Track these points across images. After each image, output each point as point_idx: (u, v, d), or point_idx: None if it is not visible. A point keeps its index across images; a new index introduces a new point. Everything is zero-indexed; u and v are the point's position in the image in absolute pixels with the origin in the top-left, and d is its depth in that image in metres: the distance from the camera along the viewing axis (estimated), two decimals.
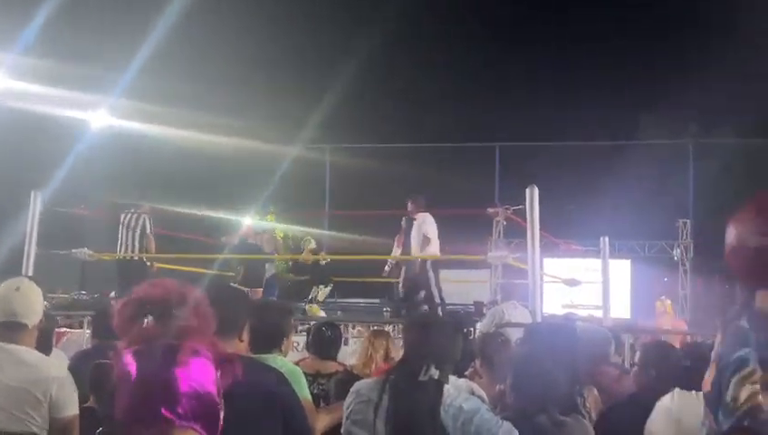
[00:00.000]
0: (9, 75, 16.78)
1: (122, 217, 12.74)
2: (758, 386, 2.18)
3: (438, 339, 3.88)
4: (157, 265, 12.67)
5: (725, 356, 2.25)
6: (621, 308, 18.88)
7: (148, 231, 12.58)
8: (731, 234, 2.47)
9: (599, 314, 12.05)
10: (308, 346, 6.25)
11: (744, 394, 2.17)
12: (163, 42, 19.31)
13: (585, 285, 20.09)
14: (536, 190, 9.41)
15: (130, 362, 2.02)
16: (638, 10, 27.30)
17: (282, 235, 22.78)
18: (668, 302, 19.72)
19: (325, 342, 5.90)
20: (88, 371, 5.04)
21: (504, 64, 28.21)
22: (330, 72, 26.00)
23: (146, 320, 2.09)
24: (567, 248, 18.60)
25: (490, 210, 10.83)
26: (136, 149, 21.44)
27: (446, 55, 27.67)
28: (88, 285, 16.44)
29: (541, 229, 11.67)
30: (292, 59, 25.93)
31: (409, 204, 12.48)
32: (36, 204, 10.02)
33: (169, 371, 1.96)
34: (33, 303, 4.18)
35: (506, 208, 10.97)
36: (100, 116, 18.77)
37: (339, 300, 15.19)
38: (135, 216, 12.64)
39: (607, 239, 12.52)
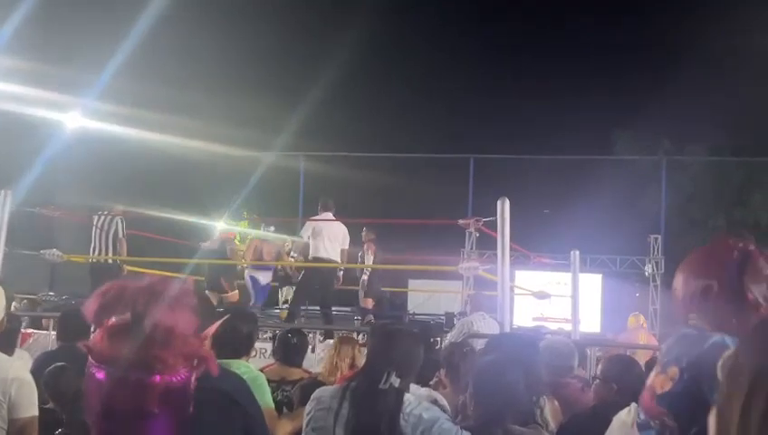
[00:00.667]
0: None
1: (95, 218, 12.66)
2: None
3: (400, 348, 3.89)
4: (128, 268, 12.60)
5: (689, 350, 2.26)
6: (592, 322, 18.94)
7: (120, 235, 12.51)
8: (676, 281, 2.50)
9: (569, 327, 12.13)
10: (273, 353, 6.24)
11: None
12: (139, 44, 19.24)
13: (556, 299, 20.23)
14: (507, 203, 9.46)
15: (102, 383, 2.06)
16: (613, 26, 27.54)
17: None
18: (642, 317, 19.82)
19: (290, 348, 5.90)
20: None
21: (480, 76, 28.34)
22: (306, 80, 26.03)
23: (126, 311, 2.10)
24: (538, 261, 18.66)
25: (461, 222, 10.82)
26: (109, 151, 21.34)
27: (423, 65, 27.76)
28: (57, 287, 16.32)
29: (512, 242, 11.73)
30: (268, 65, 25.92)
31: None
32: (6, 203, 9.95)
33: (143, 401, 2.03)
34: None
35: (477, 220, 10.97)
36: (75, 117, 18.64)
37: (310, 307, 15.11)
38: (108, 218, 12.57)
39: (578, 253, 12.60)
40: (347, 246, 12.23)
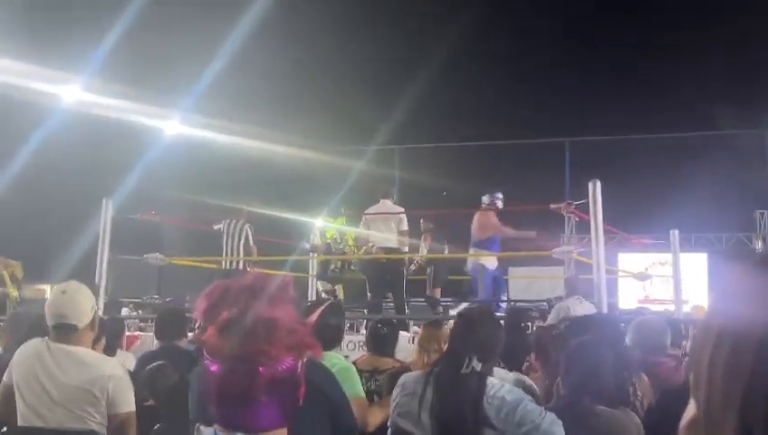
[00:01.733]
0: (85, 89, 17.22)
1: (224, 225, 12.76)
2: None
3: (481, 332, 3.89)
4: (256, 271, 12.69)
5: None
6: (700, 302, 18.55)
7: (251, 242, 12.53)
8: None
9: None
10: (365, 343, 6.29)
11: None
12: (233, 58, 19.69)
13: (660, 280, 19.91)
14: (598, 184, 9.33)
15: (215, 374, 2.25)
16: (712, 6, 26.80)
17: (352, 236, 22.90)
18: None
19: (380, 339, 5.93)
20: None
21: (571, 56, 27.93)
22: (401, 74, 26.10)
23: (231, 308, 2.27)
24: (639, 243, 18.35)
25: (553, 206, 10.69)
26: (207, 157, 21.81)
27: (511, 54, 27.50)
28: (163, 290, 16.75)
29: (611, 224, 11.57)
30: (359, 66, 26.10)
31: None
32: (108, 211, 10.29)
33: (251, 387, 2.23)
34: (80, 304, 4.29)
35: (569, 204, 10.82)
36: (174, 125, 19.14)
37: (410, 300, 15.15)
38: (238, 224, 12.65)
39: (677, 232, 12.37)
40: (405, 227, 11.93)
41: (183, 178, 22.12)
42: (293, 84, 24.85)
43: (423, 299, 12.91)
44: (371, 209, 12.26)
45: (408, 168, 22.76)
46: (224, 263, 12.57)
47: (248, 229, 12.53)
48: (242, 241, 12.46)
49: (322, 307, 3.87)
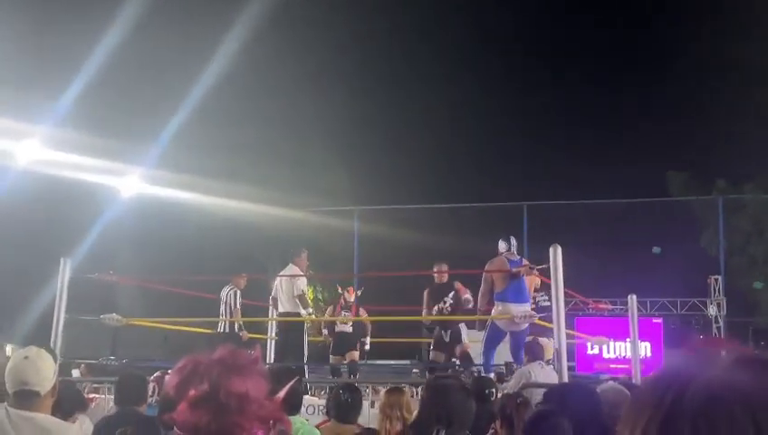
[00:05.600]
0: (42, 145, 17.08)
1: (222, 293, 12.74)
2: None
3: (450, 402, 3.84)
4: (247, 334, 12.67)
5: None
6: (656, 367, 18.67)
7: (234, 305, 12.55)
8: None
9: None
10: (327, 411, 6.22)
11: None
12: (193, 115, 19.73)
13: (618, 345, 20.03)
14: (559, 249, 9.41)
15: None
16: (662, 70, 27.39)
17: (312, 296, 22.86)
18: None
19: (343, 406, 5.86)
20: None
21: (529, 122, 28.33)
22: (358, 137, 26.30)
23: (203, 383, 2.23)
24: (597, 308, 18.47)
25: (515, 270, 10.74)
26: (164, 216, 21.70)
27: (472, 116, 27.84)
28: (118, 351, 16.52)
29: (571, 288, 11.61)
30: (318, 128, 26.22)
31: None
32: (66, 270, 10.14)
33: None
34: (42, 370, 4.18)
35: (531, 268, 10.89)
36: (130, 184, 19.01)
37: (368, 362, 15.12)
38: (230, 291, 12.67)
39: (635, 297, 12.44)
40: (298, 292, 11.89)
41: (142, 237, 21.97)
42: (257, 141, 24.90)
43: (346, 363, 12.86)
44: (281, 273, 12.42)
45: (366, 230, 22.84)
46: (219, 326, 12.61)
47: (232, 294, 12.54)
48: (226, 306, 12.51)
49: (291, 382, 3.84)
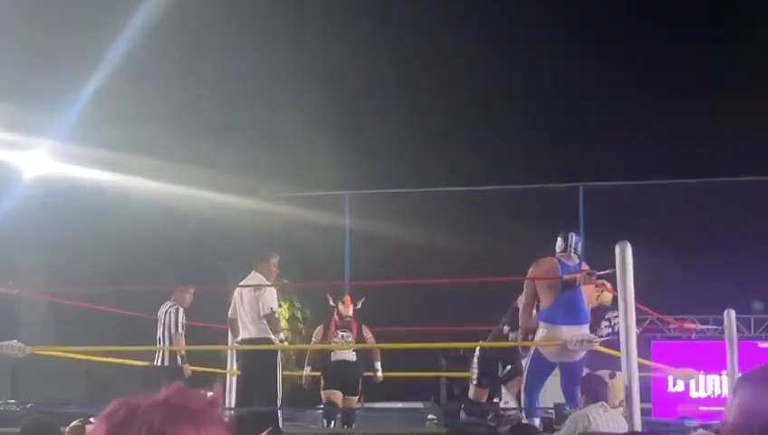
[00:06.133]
0: None
1: (161, 311, 12.79)
2: None
3: None
4: (190, 368, 12.69)
5: None
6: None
7: (174, 329, 12.57)
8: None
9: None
10: None
11: None
12: (120, 71, 19.68)
13: (711, 379, 20.03)
14: (629, 248, 9.41)
15: None
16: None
17: (287, 314, 22.87)
18: None
19: None
20: None
21: (587, 74, 28.30)
22: (347, 99, 26.27)
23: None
24: (681, 328, 18.48)
25: (567, 276, 10.71)
26: (82, 206, 21.67)
27: (502, 67, 27.81)
28: (21, 392, 16.54)
29: (645, 302, 11.60)
30: (291, 88, 26.21)
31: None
32: None
33: None
34: None
35: (590, 274, 10.83)
36: (36, 162, 18.97)
37: (366, 404, 15.17)
38: (171, 309, 12.71)
39: (733, 314, 12.44)
40: (267, 311, 11.75)
41: (51, 235, 21.94)
42: (212, 106, 24.88)
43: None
44: (241, 283, 12.37)
45: (359, 217, 22.84)
46: (156, 357, 12.61)
47: (173, 313, 12.54)
48: (165, 329, 12.51)
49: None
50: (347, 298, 13.29)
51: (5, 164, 19.04)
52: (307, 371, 12.99)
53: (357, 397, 12.91)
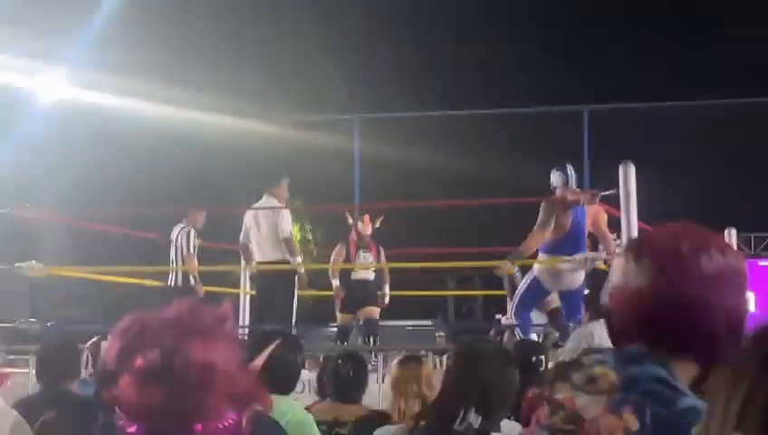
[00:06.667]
0: None
1: (174, 232, 12.74)
2: None
3: (482, 373, 3.82)
4: (203, 288, 12.64)
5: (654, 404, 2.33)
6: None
7: (185, 250, 12.54)
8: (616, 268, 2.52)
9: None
10: (323, 386, 6.29)
11: None
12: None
13: None
14: (632, 168, 9.40)
15: None
16: None
17: (298, 236, 22.89)
18: None
19: (343, 381, 5.92)
20: (32, 422, 5.13)
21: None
22: (354, 22, 26.09)
23: (153, 350, 2.26)
24: None
25: (571, 198, 10.67)
26: (98, 131, 21.64)
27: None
28: (40, 311, 16.61)
29: (646, 222, 11.60)
30: (299, 12, 26.05)
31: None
32: None
33: None
34: None
35: (594, 194, 10.76)
36: (52, 87, 18.89)
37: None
38: (184, 231, 12.63)
39: (734, 232, 12.48)
40: (286, 234, 11.84)
41: (69, 159, 21.94)
42: (223, 31, 24.76)
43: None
44: (254, 206, 12.40)
45: (369, 141, 22.81)
46: (169, 277, 12.57)
47: (185, 235, 12.51)
48: (178, 251, 12.48)
49: (273, 344, 3.86)
50: (366, 217, 13.02)
51: (22, 90, 18.99)
52: (335, 283, 12.68)
53: (377, 308, 12.73)
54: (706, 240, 2.51)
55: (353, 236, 12.72)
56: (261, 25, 25.03)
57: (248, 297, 13.28)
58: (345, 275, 12.66)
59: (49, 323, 13.49)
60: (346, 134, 22.81)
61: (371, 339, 12.18)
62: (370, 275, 12.75)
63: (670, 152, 22.90)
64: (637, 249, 2.54)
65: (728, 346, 2.56)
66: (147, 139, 22.30)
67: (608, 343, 6.56)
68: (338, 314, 12.84)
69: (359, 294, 12.62)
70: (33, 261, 11.24)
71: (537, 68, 27.20)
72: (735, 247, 12.16)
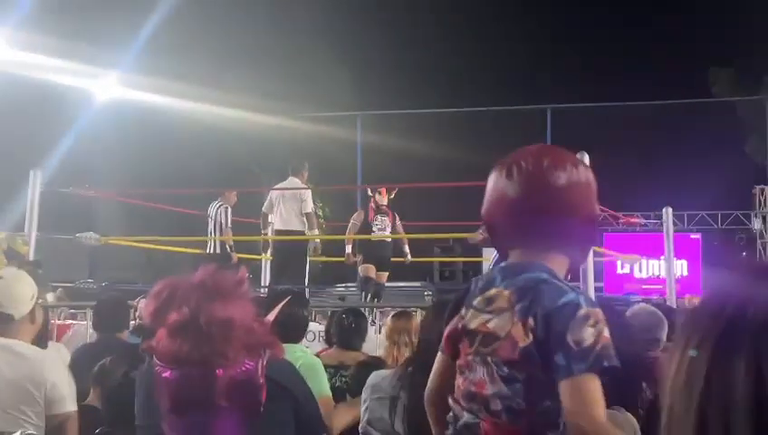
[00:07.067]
0: (11, 45, 16.96)
1: (210, 209, 12.74)
2: (602, 326, 2.37)
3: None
4: (237, 255, 12.64)
5: (542, 301, 2.41)
6: (693, 287, 18.78)
7: (225, 224, 12.54)
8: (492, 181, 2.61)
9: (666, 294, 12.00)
10: (329, 336, 6.31)
11: (589, 335, 2.34)
12: (174, 13, 19.48)
13: (651, 263, 20.13)
14: (586, 157, 9.36)
15: (169, 381, 2.31)
16: None
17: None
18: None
19: (346, 331, 5.95)
20: (90, 366, 5.15)
21: (555, 16, 28.01)
22: (359, 34, 26.01)
23: (181, 309, 2.31)
24: (628, 222, 18.52)
25: None
26: (146, 124, 21.64)
27: (488, 6, 27.49)
28: (96, 273, 16.66)
29: (599, 201, 11.60)
30: (313, 24, 25.97)
31: None
32: (36, 184, 10.15)
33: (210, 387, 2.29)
34: (18, 292, 4.23)
35: None
36: (109, 85, 18.91)
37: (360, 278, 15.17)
38: (220, 207, 12.60)
39: (670, 210, 12.44)
40: (309, 209, 11.97)
41: (121, 147, 21.95)
42: (247, 41, 24.70)
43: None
44: (279, 186, 12.40)
45: (371, 135, 22.81)
46: (208, 246, 12.58)
47: (223, 211, 12.54)
48: (217, 225, 12.51)
49: (283, 301, 3.89)
50: (383, 189, 12.81)
51: (82, 90, 18.99)
52: (348, 249, 12.56)
53: (387, 273, 12.72)
54: (562, 157, 2.56)
55: (372, 204, 12.68)
56: (281, 36, 25.00)
57: (268, 263, 13.31)
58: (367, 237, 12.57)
59: (104, 283, 13.54)
60: (350, 128, 22.92)
61: (378, 299, 12.16)
62: (387, 238, 12.73)
63: (618, 143, 22.91)
64: (506, 167, 2.58)
65: (585, 240, 2.67)
66: (186, 132, 22.31)
67: None
68: (360, 266, 12.54)
69: (379, 251, 12.51)
70: (91, 232, 11.25)
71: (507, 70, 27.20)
72: (671, 222, 12.26)
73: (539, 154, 2.58)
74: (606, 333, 2.38)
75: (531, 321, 2.39)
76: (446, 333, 2.68)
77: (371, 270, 12.45)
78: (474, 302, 2.57)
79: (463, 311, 2.60)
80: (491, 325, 2.46)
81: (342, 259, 13.07)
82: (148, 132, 22.35)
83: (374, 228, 12.51)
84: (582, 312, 2.35)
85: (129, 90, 19.78)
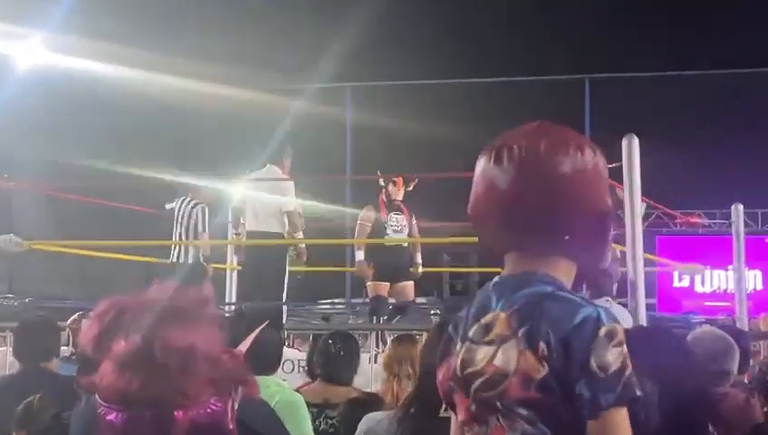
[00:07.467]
0: None
1: (176, 204, 12.70)
2: (624, 346, 2.38)
3: None
4: (212, 266, 12.48)
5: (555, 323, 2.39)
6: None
7: (201, 228, 12.48)
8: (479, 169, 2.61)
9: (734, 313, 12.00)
10: (312, 367, 6.31)
11: (615, 358, 2.36)
12: None
13: (717, 274, 20.15)
14: (635, 141, 9.37)
15: (115, 425, 2.27)
16: None
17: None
18: None
19: (333, 360, 5.94)
20: (12, 405, 5.13)
21: None
22: None
23: (131, 335, 2.28)
24: (686, 222, 18.55)
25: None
26: (82, 97, 21.59)
27: None
28: (18, 286, 16.61)
29: (651, 196, 11.60)
30: None
31: None
32: None
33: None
34: None
35: None
36: (30, 52, 18.85)
37: (369, 299, 15.19)
38: (188, 205, 12.59)
39: (741, 208, 12.44)
40: (291, 208, 11.65)
41: (48, 128, 21.89)
42: None
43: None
44: (252, 176, 12.25)
45: (362, 110, 22.81)
46: (173, 253, 12.58)
47: (199, 211, 12.45)
48: (190, 228, 12.39)
49: (260, 326, 3.85)
50: (399, 180, 12.54)
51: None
52: (359, 256, 12.33)
53: (412, 283, 12.34)
54: (565, 138, 2.53)
55: (383, 198, 12.38)
56: None
57: (235, 273, 13.16)
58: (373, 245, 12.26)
59: (27, 299, 13.50)
60: (338, 105, 22.92)
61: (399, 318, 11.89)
62: (405, 241, 12.40)
63: (673, 124, 22.87)
64: (495, 151, 2.55)
65: (595, 242, 2.61)
66: (135, 108, 22.27)
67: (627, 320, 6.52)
68: (369, 283, 12.35)
69: (395, 259, 12.25)
70: (11, 235, 11.20)
71: (535, 35, 27.14)
72: (742, 223, 12.25)
73: (536, 134, 2.55)
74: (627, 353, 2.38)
75: (542, 347, 2.36)
76: (438, 381, 2.66)
77: (383, 288, 12.23)
78: (469, 333, 2.54)
79: (458, 346, 2.57)
80: (498, 362, 2.43)
81: (329, 269, 13.00)
82: (86, 108, 22.31)
83: (388, 230, 12.26)
84: (604, 329, 2.34)
85: (58, 54, 19.70)
